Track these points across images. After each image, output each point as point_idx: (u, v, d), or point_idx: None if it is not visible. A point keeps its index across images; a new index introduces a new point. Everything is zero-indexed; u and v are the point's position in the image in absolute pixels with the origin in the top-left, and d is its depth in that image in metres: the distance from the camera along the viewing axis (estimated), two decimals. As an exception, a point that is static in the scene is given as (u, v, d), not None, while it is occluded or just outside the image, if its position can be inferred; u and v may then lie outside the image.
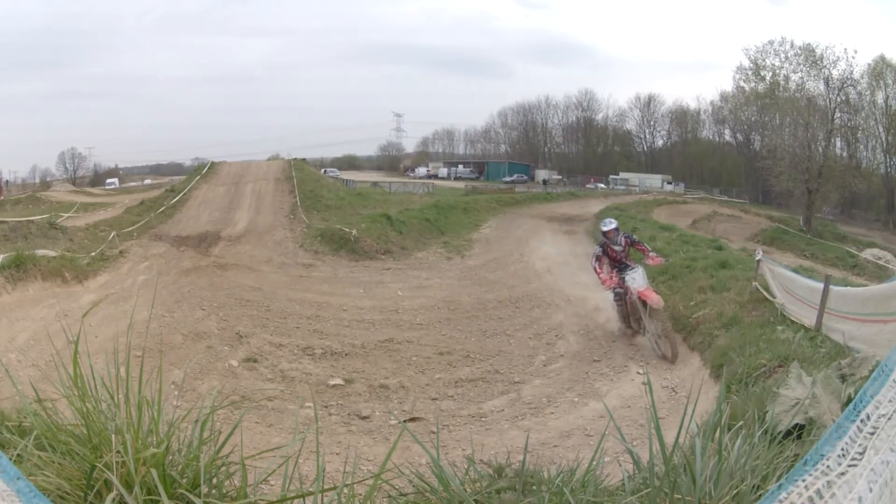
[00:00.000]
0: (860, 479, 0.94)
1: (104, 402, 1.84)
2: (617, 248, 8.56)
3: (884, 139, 42.53)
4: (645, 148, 58.54)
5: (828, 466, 0.94)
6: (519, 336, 8.75)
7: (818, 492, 0.91)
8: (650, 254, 8.63)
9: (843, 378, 2.85)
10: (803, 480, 0.92)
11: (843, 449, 0.96)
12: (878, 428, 0.99)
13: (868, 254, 25.40)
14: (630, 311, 8.11)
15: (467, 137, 63.49)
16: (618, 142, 58.84)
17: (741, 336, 6.33)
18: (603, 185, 48.55)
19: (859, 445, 0.97)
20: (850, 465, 0.95)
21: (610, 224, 8.82)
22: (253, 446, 2.35)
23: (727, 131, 53.82)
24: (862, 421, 1.00)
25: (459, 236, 19.15)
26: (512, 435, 5.35)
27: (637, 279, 8.07)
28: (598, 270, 8.56)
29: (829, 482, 0.92)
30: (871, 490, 0.93)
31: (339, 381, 6.88)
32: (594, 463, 1.87)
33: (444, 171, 54.09)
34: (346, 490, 1.71)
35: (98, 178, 51.11)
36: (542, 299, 10.85)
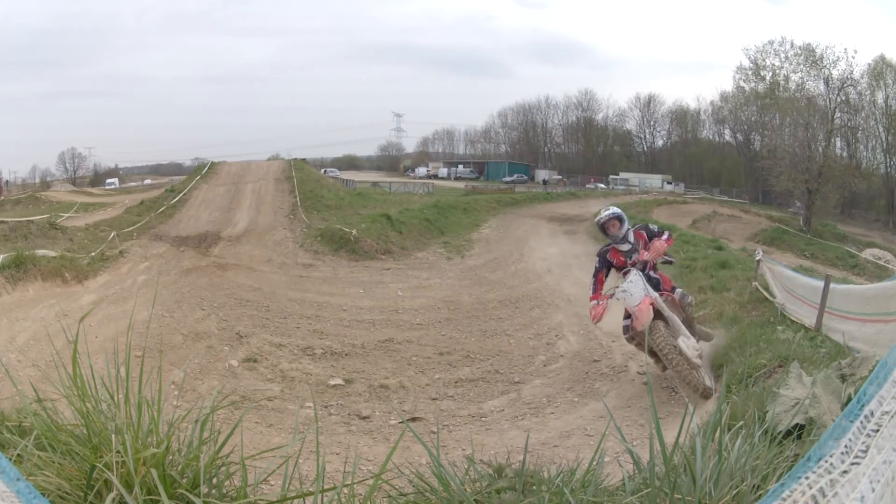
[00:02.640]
0: (863, 478, 0.93)
1: (104, 402, 1.84)
2: (625, 247, 6.04)
3: (884, 139, 42.55)
4: (645, 148, 58.56)
5: (831, 464, 0.94)
6: (519, 336, 8.74)
7: (821, 490, 0.91)
8: (657, 240, 5.99)
9: (843, 378, 2.85)
10: (806, 478, 0.92)
11: (846, 446, 0.96)
12: (881, 426, 0.99)
13: (868, 254, 25.42)
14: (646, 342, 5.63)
15: (467, 137, 63.51)
16: (618, 142, 58.84)
17: (741, 336, 6.32)
18: (603, 185, 48.57)
19: (862, 443, 0.97)
20: (853, 464, 0.95)
21: (606, 212, 6.17)
22: (253, 446, 2.35)
23: (727, 131, 53.88)
24: (865, 417, 1.00)
25: (459, 236, 19.15)
26: (512, 435, 5.35)
27: (632, 291, 5.66)
28: (593, 295, 6.06)
29: (832, 480, 0.92)
30: (873, 490, 0.93)
31: (339, 381, 6.88)
32: (594, 463, 1.87)
33: (444, 171, 54.10)
34: (345, 490, 1.71)
35: (98, 178, 51.13)
36: (542, 299, 10.85)
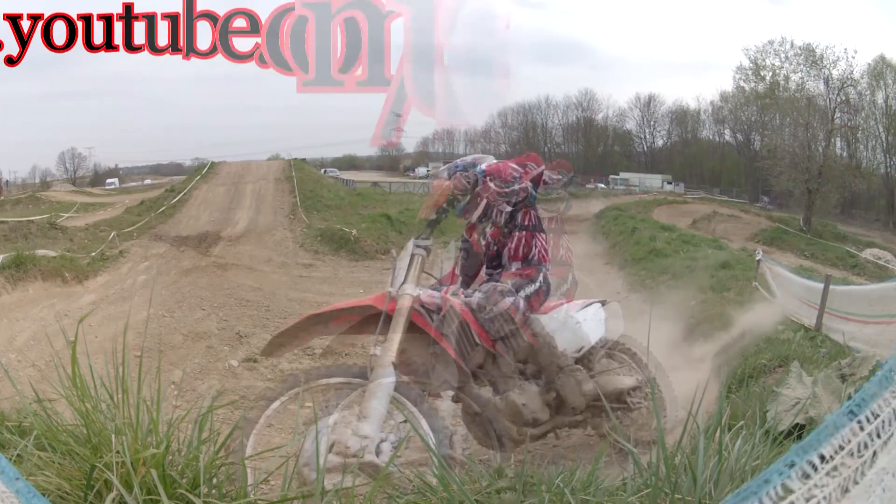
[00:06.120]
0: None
1: (104, 402, 1.83)
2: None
3: (884, 139, 42.45)
4: (645, 148, 58.39)
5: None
6: (519, 336, 8.73)
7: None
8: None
9: (843, 378, 2.85)
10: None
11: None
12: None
13: (868, 254, 25.43)
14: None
15: (467, 137, 63.37)
16: (618, 142, 58.72)
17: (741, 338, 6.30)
18: (603, 185, 48.50)
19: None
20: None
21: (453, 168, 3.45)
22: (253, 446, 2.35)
23: (727, 131, 53.68)
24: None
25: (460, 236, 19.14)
26: (512, 435, 5.33)
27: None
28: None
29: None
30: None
31: (339, 381, 6.87)
32: (594, 463, 1.87)
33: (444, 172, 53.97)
34: (346, 490, 1.71)
35: (98, 178, 50.96)
36: (542, 299, 10.83)
